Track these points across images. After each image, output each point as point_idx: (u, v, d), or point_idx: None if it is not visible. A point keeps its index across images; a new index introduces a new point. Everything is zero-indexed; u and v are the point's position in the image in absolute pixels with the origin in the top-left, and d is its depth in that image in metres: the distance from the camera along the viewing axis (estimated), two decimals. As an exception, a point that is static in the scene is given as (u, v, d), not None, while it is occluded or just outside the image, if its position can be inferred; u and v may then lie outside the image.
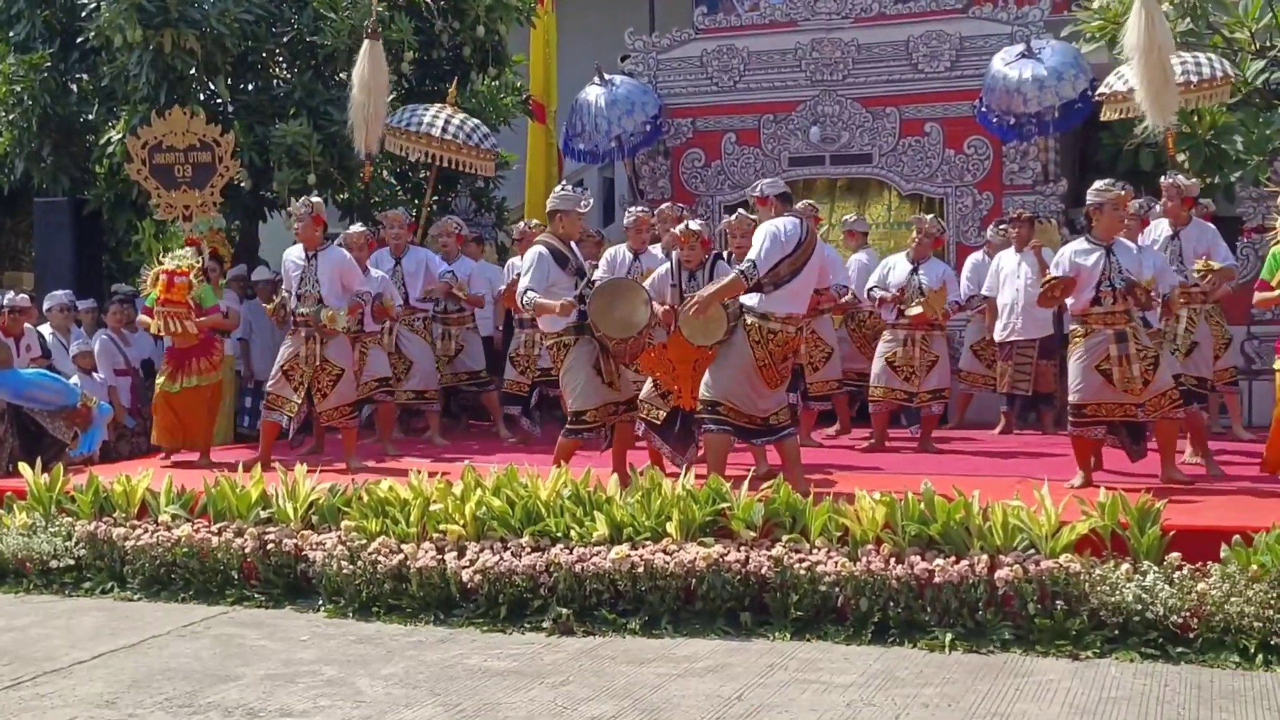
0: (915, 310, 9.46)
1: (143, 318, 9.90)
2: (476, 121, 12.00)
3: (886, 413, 9.93)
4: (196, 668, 5.71)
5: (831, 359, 9.93)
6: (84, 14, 12.29)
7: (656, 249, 9.65)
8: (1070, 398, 7.73)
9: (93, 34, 12.00)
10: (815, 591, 6.10)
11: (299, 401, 9.18)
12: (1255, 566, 5.68)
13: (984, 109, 11.30)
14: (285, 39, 12.78)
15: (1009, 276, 10.31)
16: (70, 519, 7.63)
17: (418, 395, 10.69)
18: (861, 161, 12.26)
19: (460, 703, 5.11)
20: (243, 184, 11.99)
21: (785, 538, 6.36)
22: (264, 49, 12.84)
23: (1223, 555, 5.84)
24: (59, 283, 12.03)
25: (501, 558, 6.49)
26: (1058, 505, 6.14)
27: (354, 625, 6.52)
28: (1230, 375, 9.67)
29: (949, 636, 5.84)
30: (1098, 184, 7.82)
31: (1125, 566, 5.88)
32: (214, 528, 7.24)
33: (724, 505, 6.56)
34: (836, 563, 6.11)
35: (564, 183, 10.18)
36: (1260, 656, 5.46)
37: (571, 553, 6.42)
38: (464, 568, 6.49)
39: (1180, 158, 11.32)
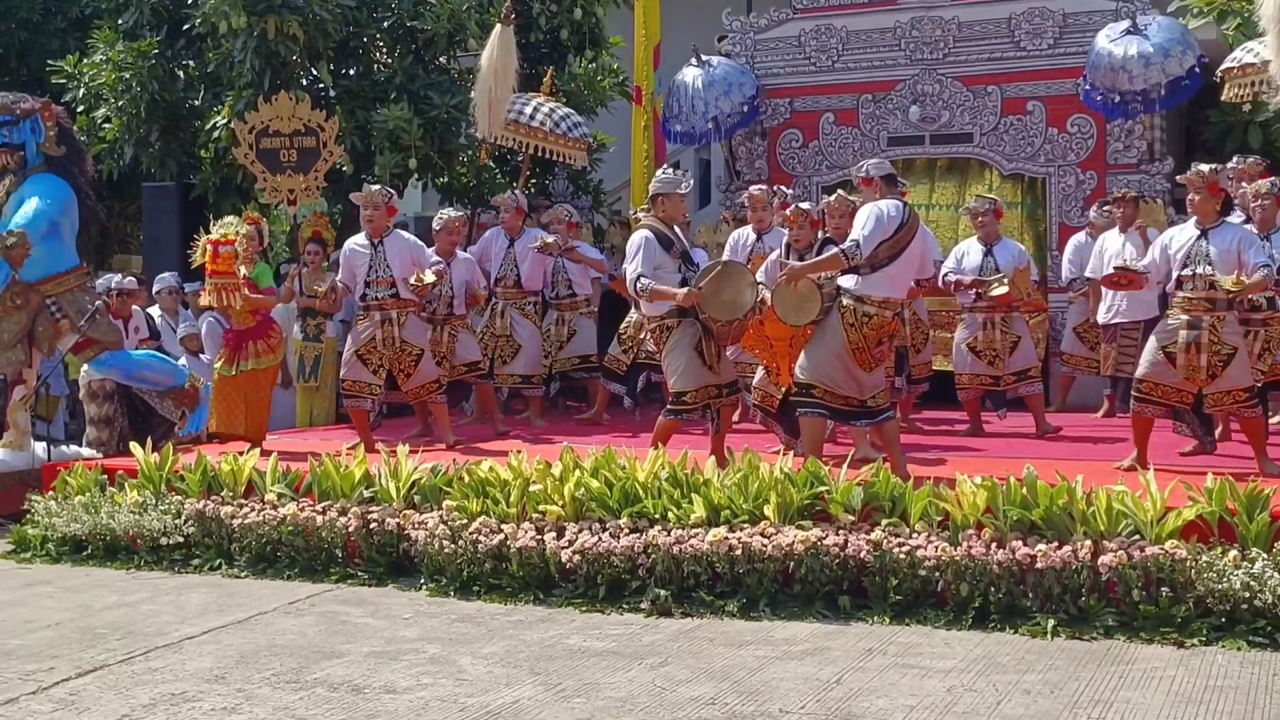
0: (1000, 291, 9.29)
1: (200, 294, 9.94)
2: (568, 110, 12.03)
3: (976, 398, 9.79)
4: (302, 644, 5.82)
5: (929, 341, 9.83)
6: (190, 1, 12.52)
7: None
8: (1136, 371, 7.67)
9: (198, 21, 12.21)
10: (915, 576, 6.06)
11: (380, 384, 9.29)
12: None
13: (1088, 87, 11.12)
14: (386, 24, 12.91)
15: (1113, 258, 10.08)
16: (179, 497, 7.80)
17: (523, 380, 10.78)
18: (962, 141, 12.13)
19: (560, 682, 5.16)
20: (345, 168, 12.14)
21: (885, 522, 6.33)
22: (365, 34, 12.99)
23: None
24: (166, 266, 12.30)
25: (600, 539, 6.53)
26: (1163, 491, 6.04)
27: (455, 604, 6.61)
28: None
29: (1051, 623, 5.78)
30: (1197, 166, 7.71)
31: (1233, 553, 5.78)
32: (319, 507, 7.36)
33: (822, 489, 6.54)
34: (937, 547, 6.07)
35: (665, 166, 10.19)
36: (1373, 647, 5.35)
37: (669, 534, 6.44)
38: (563, 548, 6.55)
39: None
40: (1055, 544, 5.96)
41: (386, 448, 7.68)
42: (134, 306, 11.20)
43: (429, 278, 8.99)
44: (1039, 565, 5.88)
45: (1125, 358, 10.24)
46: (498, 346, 10.65)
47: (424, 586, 6.86)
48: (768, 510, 6.45)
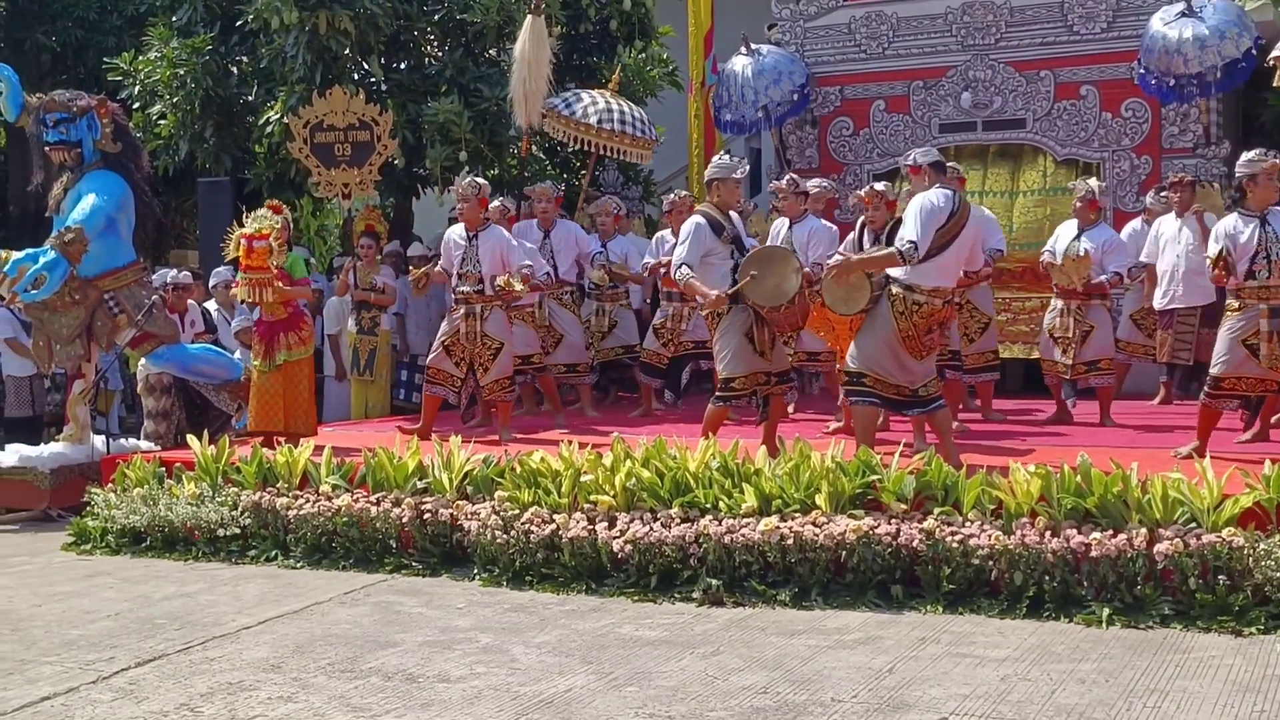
0: (1059, 278, 9.20)
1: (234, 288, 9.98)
2: (640, 112, 12.01)
3: (1058, 385, 9.66)
4: (357, 634, 5.87)
5: (988, 330, 9.70)
6: (242, -3, 12.63)
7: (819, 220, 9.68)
8: (1211, 369, 7.54)
9: (251, 17, 12.31)
10: (968, 565, 6.03)
11: (461, 376, 9.36)
12: None
13: (1142, 70, 10.98)
14: (436, 17, 12.97)
15: (1169, 243, 10.01)
16: (236, 489, 7.88)
17: (569, 369, 10.81)
18: (1015, 127, 12.02)
19: (613, 671, 5.18)
20: (396, 161, 12.21)
21: (937, 510, 6.29)
22: (415, 28, 13.05)
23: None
24: (222, 260, 12.40)
25: (651, 528, 6.54)
26: (1220, 478, 5.98)
27: (508, 594, 6.64)
28: None
29: (1106, 611, 5.73)
30: (1247, 154, 7.59)
31: (1292, 541, 5.71)
32: (373, 498, 7.42)
33: (874, 478, 6.51)
34: (990, 536, 6.04)
35: (721, 152, 10.19)
36: None
37: (720, 524, 6.44)
38: (614, 538, 6.56)
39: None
40: (1110, 532, 5.91)
41: (442, 439, 7.72)
42: (190, 301, 11.32)
43: (517, 285, 9.03)
44: (1094, 554, 5.83)
45: (1182, 344, 10.12)
46: (540, 338, 10.68)
47: (477, 576, 6.90)
48: (819, 499, 6.43)
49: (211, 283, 12.09)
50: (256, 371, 9.23)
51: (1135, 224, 10.68)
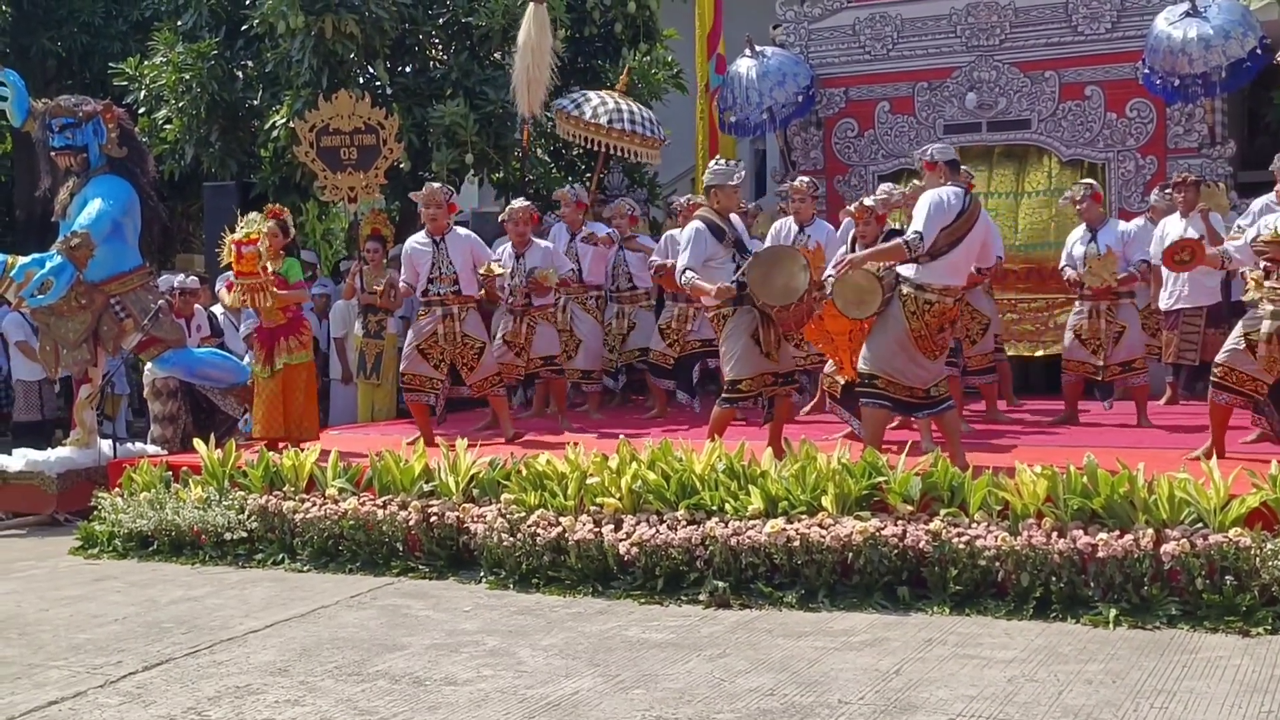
0: (1091, 280, 9.18)
1: (222, 292, 9.95)
2: (648, 113, 12.03)
3: (1077, 385, 9.63)
4: (364, 637, 5.88)
5: (988, 331, 9.72)
6: (248, 2, 12.65)
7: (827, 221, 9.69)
8: (1217, 357, 7.54)
9: (256, 21, 12.35)
10: (975, 566, 6.02)
11: (441, 378, 9.35)
12: None
13: (1147, 70, 10.99)
14: (441, 21, 13.00)
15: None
16: (243, 493, 7.89)
17: (584, 375, 10.83)
18: (1020, 127, 12.03)
19: (619, 674, 5.18)
20: (402, 165, 12.23)
21: (943, 512, 6.29)
22: (421, 31, 13.08)
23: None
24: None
25: (657, 531, 6.54)
26: (1226, 478, 5.97)
27: (514, 596, 6.64)
28: None
29: (1113, 612, 5.72)
30: None
31: (1299, 541, 5.70)
32: (379, 501, 7.42)
33: (880, 479, 6.51)
34: (996, 537, 6.03)
35: (717, 158, 10.19)
36: None
37: (727, 526, 6.44)
38: (621, 540, 6.56)
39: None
40: (1117, 533, 5.90)
41: (448, 442, 7.73)
42: (196, 305, 11.33)
43: (498, 269, 9.05)
44: (1100, 554, 5.83)
45: (1187, 344, 10.12)
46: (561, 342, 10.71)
47: (484, 579, 6.91)
48: (825, 501, 6.43)
49: (218, 287, 12.10)
50: (258, 377, 9.25)
51: (1139, 221, 10.66)
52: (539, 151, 13.23)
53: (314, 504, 7.57)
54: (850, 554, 6.19)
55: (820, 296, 7.70)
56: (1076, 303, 9.51)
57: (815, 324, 7.80)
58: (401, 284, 9.50)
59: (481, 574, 6.96)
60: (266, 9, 12.04)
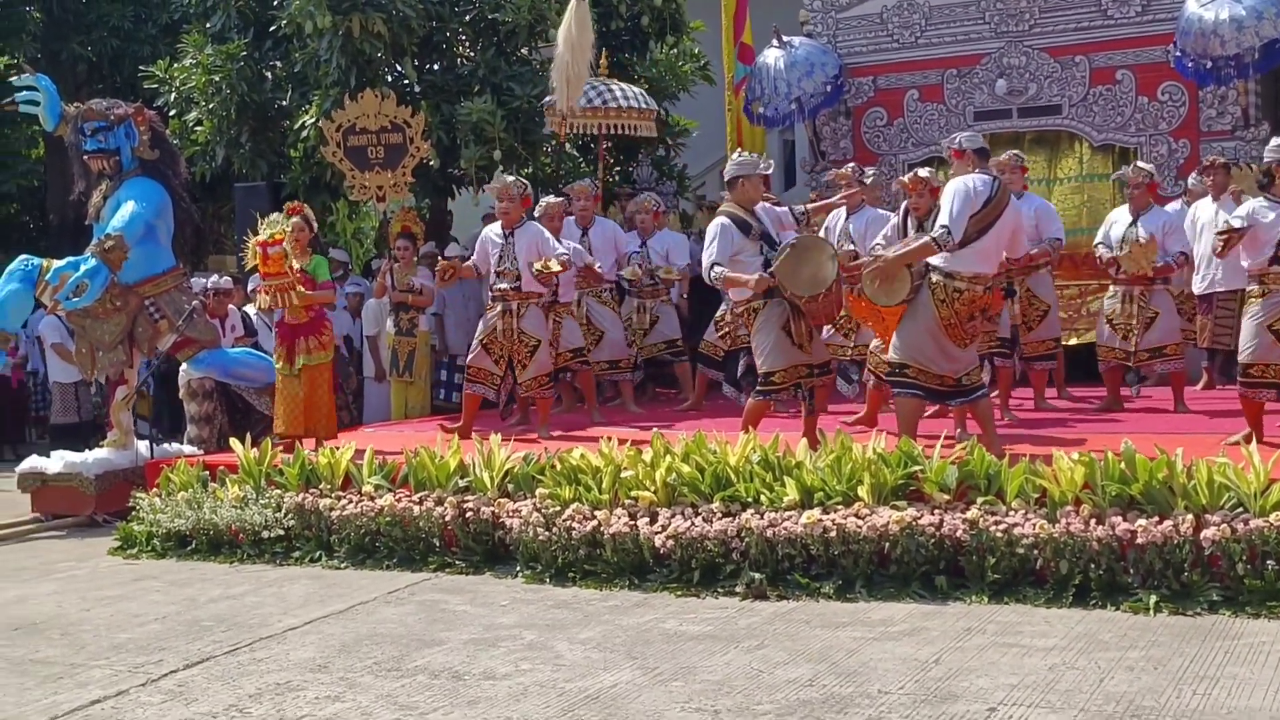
0: (1130, 265, 9.08)
1: (261, 297, 9.95)
2: (634, 89, 12.04)
3: (1113, 372, 9.53)
4: (402, 633, 5.90)
5: (1048, 317, 9.51)
6: (275, 3, 12.70)
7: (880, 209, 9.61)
8: (1240, 357, 7.43)
9: (284, 22, 12.38)
10: (1013, 554, 6.00)
11: (500, 373, 9.38)
12: None
13: (1179, 53, 10.89)
14: (468, 17, 13.01)
15: (1206, 226, 9.89)
16: (279, 491, 7.92)
17: (611, 365, 10.82)
18: (1050, 113, 11.95)
19: (658, 666, 5.18)
20: (431, 162, 12.25)
21: (980, 500, 6.26)
22: (448, 28, 13.09)
23: None
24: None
25: (693, 523, 6.54)
26: (1266, 463, 5.92)
27: (551, 590, 6.66)
28: None
29: (1153, 599, 5.69)
30: (1277, 140, 7.49)
31: (1341, 525, 5.65)
32: (415, 497, 7.45)
33: (916, 468, 6.49)
34: (1034, 525, 6.00)
35: (739, 150, 10.17)
36: None
37: (762, 518, 6.43)
38: (656, 533, 6.56)
39: None
40: (1156, 519, 5.86)
41: (482, 437, 7.74)
42: (230, 305, 11.39)
43: (555, 265, 9.06)
44: (1139, 541, 5.79)
45: (1222, 328, 10.02)
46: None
47: (520, 574, 6.92)
48: (861, 491, 6.41)
49: (250, 287, 12.16)
50: (280, 375, 9.23)
51: (1175, 206, 10.58)
52: (567, 146, 13.22)
53: (350, 501, 7.60)
54: (887, 544, 6.18)
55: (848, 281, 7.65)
56: (1110, 286, 9.43)
57: (866, 300, 7.69)
58: (471, 264, 9.54)
59: (517, 568, 6.97)
60: (294, 9, 12.08)
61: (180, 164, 9.95)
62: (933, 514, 6.22)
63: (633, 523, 6.68)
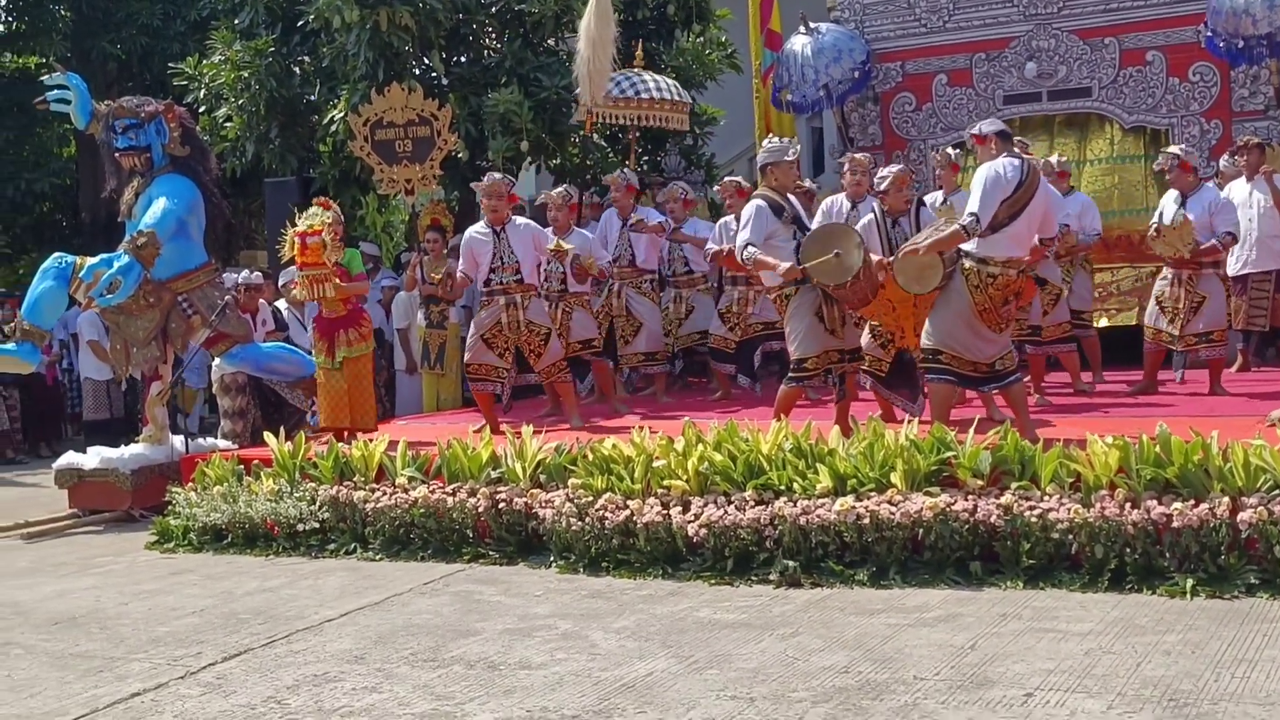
0: (1162, 248, 8.93)
1: (294, 290, 9.98)
2: (668, 80, 12.03)
3: (1156, 354, 9.45)
4: (438, 623, 5.92)
5: (1060, 302, 9.48)
6: (303, -2, 12.73)
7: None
8: None
9: (312, 17, 12.41)
10: (1048, 539, 5.97)
11: (506, 366, 9.37)
12: None
13: (1209, 33, 10.81)
14: (494, 9, 13.00)
15: (1240, 206, 9.80)
16: (313, 484, 7.96)
17: (647, 357, 10.82)
18: (1080, 95, 11.88)
19: (692, 654, 5.19)
20: (460, 155, 12.26)
21: (1014, 485, 6.24)
22: (474, 20, 13.10)
23: None
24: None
25: (726, 512, 6.54)
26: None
27: (585, 580, 6.67)
28: None
29: (1190, 582, 5.66)
30: None
31: (1380, 506, 5.60)
32: (448, 489, 7.46)
33: (949, 454, 6.47)
34: (1069, 509, 5.98)
35: (770, 136, 10.14)
36: None
37: (795, 505, 6.42)
38: (689, 522, 6.56)
39: None
40: (1192, 502, 5.83)
41: (513, 429, 7.76)
42: (260, 300, 11.44)
43: (567, 245, 9.06)
44: (1175, 524, 5.76)
45: (1256, 310, 9.97)
46: (618, 327, 10.71)
47: (553, 564, 6.94)
48: (894, 478, 6.40)
49: (281, 282, 12.21)
50: (320, 369, 9.31)
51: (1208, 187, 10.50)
52: (594, 137, 13.21)
53: (384, 493, 7.63)
54: (921, 530, 6.17)
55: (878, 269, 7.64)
56: (1163, 269, 9.30)
57: (879, 294, 7.70)
58: (459, 274, 9.50)
59: (551, 558, 6.99)
60: (321, 4, 12.11)
61: (211, 160, 9.99)
62: (966, 500, 6.21)
63: (666, 512, 6.68)
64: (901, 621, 5.50)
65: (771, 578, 6.30)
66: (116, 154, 9.46)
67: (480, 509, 7.25)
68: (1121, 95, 11.69)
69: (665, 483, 6.85)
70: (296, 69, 13.55)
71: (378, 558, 7.45)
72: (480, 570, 7.04)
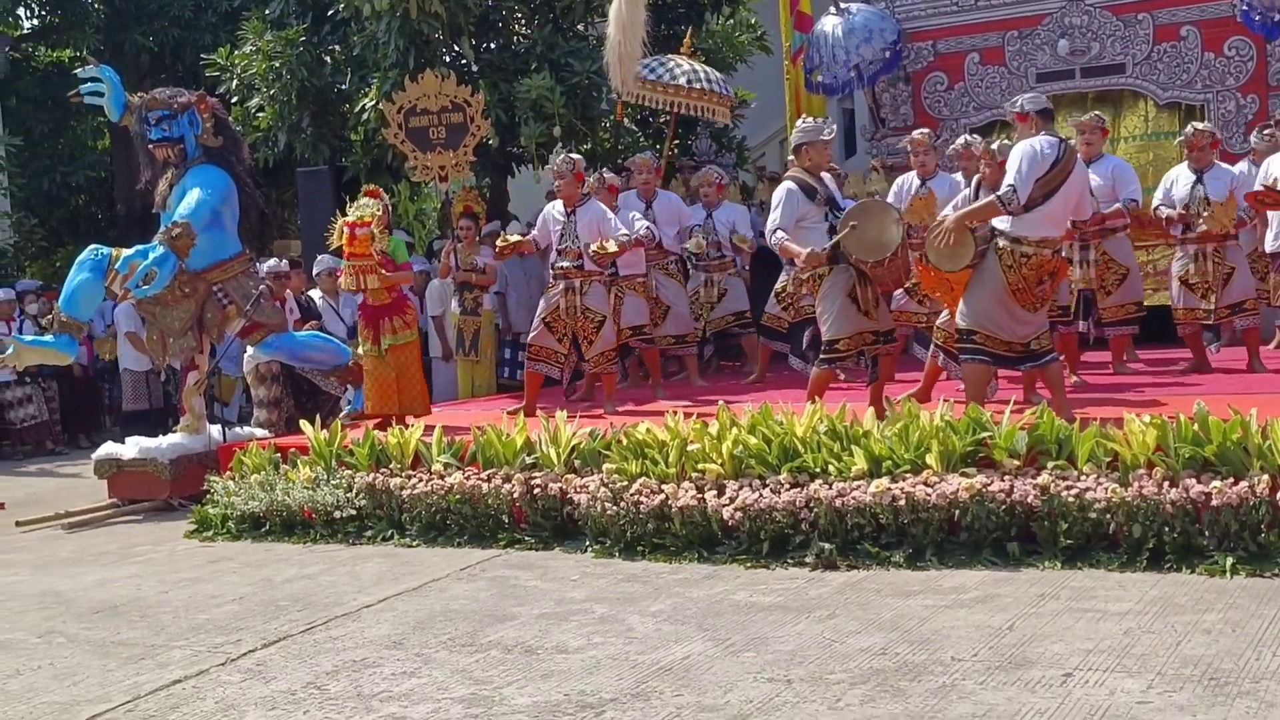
0: (1203, 227, 8.93)
1: (343, 279, 10.03)
2: (708, 68, 11.99)
3: (1195, 333, 9.38)
4: (475, 608, 5.94)
5: (1128, 280, 9.26)
6: (332, -14, 12.76)
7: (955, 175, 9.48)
8: None
9: (342, 6, 12.45)
10: (1085, 519, 5.94)
11: (564, 351, 9.40)
12: None
13: (1245, 7, 10.70)
14: (523, -6, 13.02)
15: (1278, 182, 9.72)
16: (350, 471, 8.00)
17: (677, 340, 10.81)
18: (1114, 72, 11.79)
19: (729, 637, 5.19)
20: (491, 141, 12.27)
21: (1051, 465, 6.21)
22: (504, 6, 13.10)
23: None
24: (324, 248, 12.59)
25: (761, 495, 6.53)
26: (1344, 420, 5.82)
27: (620, 564, 6.68)
28: None
29: (1229, 561, 5.62)
30: None
31: None
32: (484, 474, 7.48)
33: (985, 435, 6.44)
34: (1106, 489, 5.95)
35: (804, 116, 10.10)
36: None
37: (831, 488, 6.41)
38: (724, 506, 6.56)
39: None
40: (1231, 480, 5.79)
41: (547, 414, 7.78)
42: (286, 289, 11.48)
43: (611, 247, 9.04)
44: (1214, 503, 5.72)
45: (1294, 286, 9.84)
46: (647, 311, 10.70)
47: (589, 548, 6.95)
48: (930, 459, 6.38)
49: (315, 270, 12.28)
50: (366, 357, 9.35)
51: (1242, 166, 10.39)
52: (626, 121, 13.20)
53: (420, 480, 7.65)
54: (957, 511, 6.14)
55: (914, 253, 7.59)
56: (1177, 250, 9.27)
57: (934, 270, 7.62)
58: (531, 236, 9.53)
59: (586, 543, 7.00)
60: (351, -8, 12.15)
61: (244, 150, 10.02)
62: (1003, 480, 6.18)
63: (700, 495, 6.68)
64: (939, 603, 5.49)
65: (807, 560, 6.30)
66: (150, 146, 9.50)
67: (515, 494, 7.26)
68: (1156, 71, 11.59)
69: (700, 466, 6.85)
70: (327, 58, 13.60)
71: (414, 544, 7.49)
72: (516, 555, 7.06)
